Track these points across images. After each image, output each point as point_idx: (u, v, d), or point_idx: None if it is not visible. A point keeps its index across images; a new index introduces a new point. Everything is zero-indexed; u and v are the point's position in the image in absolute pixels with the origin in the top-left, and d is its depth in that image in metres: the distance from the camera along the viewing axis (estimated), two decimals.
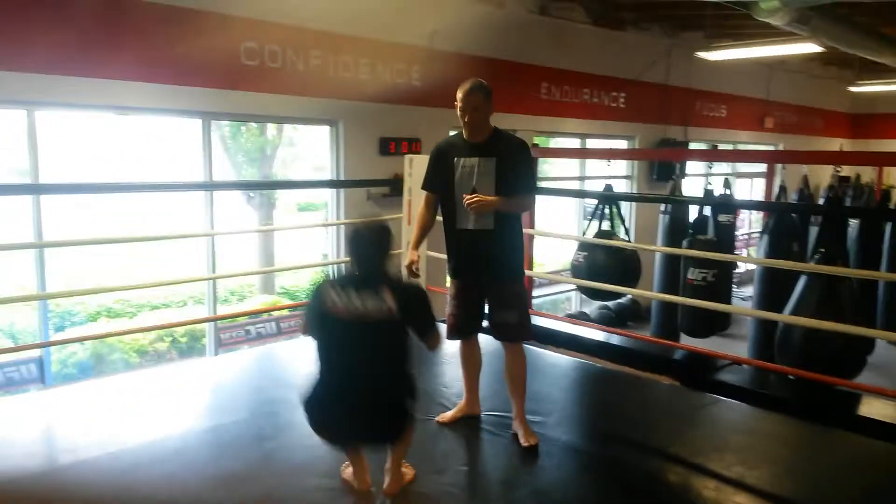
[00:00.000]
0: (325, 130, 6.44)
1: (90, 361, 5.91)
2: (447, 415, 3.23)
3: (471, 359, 3.21)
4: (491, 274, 3.02)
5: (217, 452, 2.94)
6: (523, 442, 2.96)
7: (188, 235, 5.90)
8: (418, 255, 3.10)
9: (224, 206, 6.20)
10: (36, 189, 4.83)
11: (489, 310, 3.11)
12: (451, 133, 3.13)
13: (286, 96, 5.87)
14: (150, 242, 6.05)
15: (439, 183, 3.04)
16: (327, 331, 2.34)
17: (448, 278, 3.22)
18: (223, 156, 6.95)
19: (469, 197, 2.84)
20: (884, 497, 2.74)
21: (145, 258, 6.68)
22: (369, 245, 2.37)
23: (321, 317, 2.33)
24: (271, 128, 7.37)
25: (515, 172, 2.92)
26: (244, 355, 4.94)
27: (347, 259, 2.44)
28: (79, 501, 2.50)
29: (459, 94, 2.86)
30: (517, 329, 3.05)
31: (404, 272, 3.03)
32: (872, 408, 4.00)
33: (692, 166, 9.42)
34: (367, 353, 2.30)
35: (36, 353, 4.86)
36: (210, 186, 5.76)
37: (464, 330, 3.15)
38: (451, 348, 3.23)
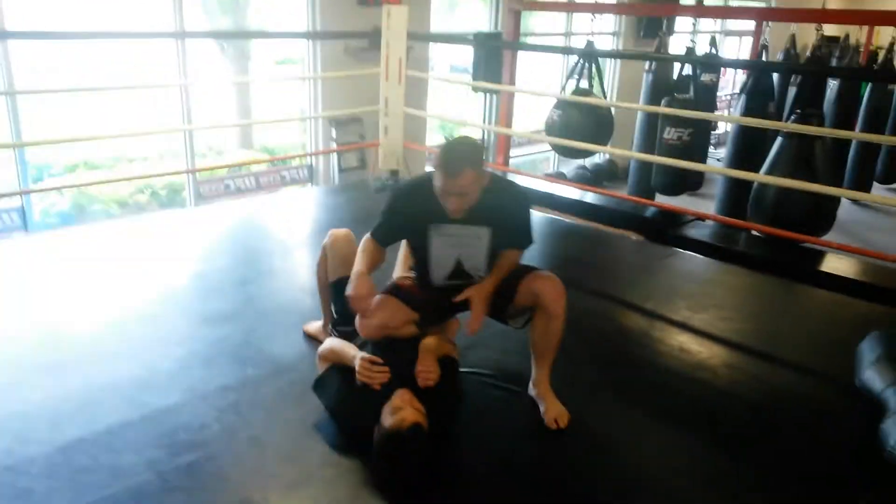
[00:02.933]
0: None
1: (71, 212, 5.98)
2: None
3: None
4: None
5: (201, 295, 3.11)
6: (549, 420, 2.19)
7: (162, 85, 5.79)
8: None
9: (197, 59, 6.03)
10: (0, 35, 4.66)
11: None
12: (423, 179, 2.15)
13: None
14: (125, 97, 5.95)
15: (397, 236, 2.27)
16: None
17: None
18: (195, 3, 6.65)
19: (459, 298, 2.15)
20: (822, 337, 2.99)
21: (120, 111, 6.57)
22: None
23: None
24: None
25: (514, 231, 2.21)
26: (224, 207, 5.03)
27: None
28: (73, 334, 2.67)
29: (441, 177, 1.98)
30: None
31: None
32: (829, 263, 4.25)
33: (681, 23, 9.16)
34: None
35: (16, 201, 4.92)
36: (181, 35, 5.58)
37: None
38: None
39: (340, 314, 2.46)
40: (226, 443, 2.05)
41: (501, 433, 2.18)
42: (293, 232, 4.16)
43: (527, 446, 2.13)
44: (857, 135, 6.56)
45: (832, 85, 6.82)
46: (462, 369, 2.26)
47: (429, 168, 2.04)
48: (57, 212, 5.86)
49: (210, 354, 2.55)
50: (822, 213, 4.45)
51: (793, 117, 4.56)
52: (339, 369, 2.16)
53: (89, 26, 5.61)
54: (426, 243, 2.16)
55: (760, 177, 4.32)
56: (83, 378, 2.36)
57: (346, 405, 2.10)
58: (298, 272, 3.37)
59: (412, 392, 2.00)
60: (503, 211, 2.14)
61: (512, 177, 5.80)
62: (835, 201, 4.59)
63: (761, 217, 4.38)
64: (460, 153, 1.98)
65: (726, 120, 9.89)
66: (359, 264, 2.14)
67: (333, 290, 2.49)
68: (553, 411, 2.20)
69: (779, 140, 4.49)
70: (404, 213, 2.17)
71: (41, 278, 3.21)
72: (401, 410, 1.92)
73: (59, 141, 5.36)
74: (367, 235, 2.21)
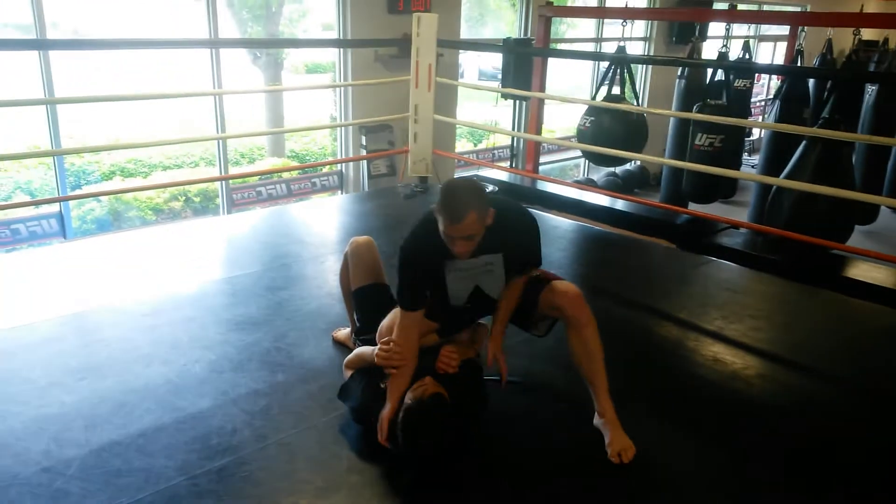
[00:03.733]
0: None
1: (108, 218, 6.12)
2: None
3: None
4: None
5: (232, 300, 3.15)
6: (612, 453, 2.07)
7: (197, 94, 5.90)
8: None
9: (230, 68, 6.13)
10: (39, 45, 4.79)
11: None
12: (426, 222, 2.08)
13: None
14: (159, 107, 6.07)
15: (427, 293, 2.17)
16: None
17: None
18: (227, 12, 6.77)
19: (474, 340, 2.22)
20: (856, 348, 2.92)
21: (154, 122, 6.71)
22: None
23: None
24: None
25: (524, 254, 2.19)
26: (256, 214, 5.10)
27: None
28: (108, 337, 2.72)
29: (445, 224, 1.94)
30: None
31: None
32: (865, 272, 4.15)
33: (714, 28, 9.05)
34: None
35: (55, 208, 5.05)
36: (214, 44, 5.68)
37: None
38: None
39: (363, 322, 2.46)
40: (256, 448, 2.07)
41: (526, 438, 2.16)
42: (323, 238, 4.19)
43: (551, 452, 2.11)
44: (888, 140, 6.39)
45: (870, 91, 6.66)
46: (487, 377, 2.25)
47: (433, 205, 2.00)
48: (94, 218, 6.00)
49: (241, 359, 2.58)
50: (841, 221, 4.35)
51: (819, 122, 4.48)
52: (363, 371, 2.18)
53: (125, 36, 5.75)
54: (443, 281, 2.13)
55: (794, 183, 4.24)
56: (117, 381, 2.40)
57: (369, 403, 2.10)
58: (328, 279, 3.39)
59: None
60: (511, 237, 2.11)
61: (541, 184, 5.78)
62: (858, 208, 4.47)
63: (779, 221, 4.30)
64: (462, 198, 1.92)
65: (759, 126, 9.75)
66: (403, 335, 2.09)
67: (356, 299, 2.50)
68: (618, 444, 2.06)
69: (802, 145, 4.40)
70: (418, 268, 2.11)
71: (77, 283, 3.28)
72: (422, 386, 1.95)
73: (95, 149, 5.49)
74: (400, 311, 2.13)
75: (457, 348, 2.15)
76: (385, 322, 2.22)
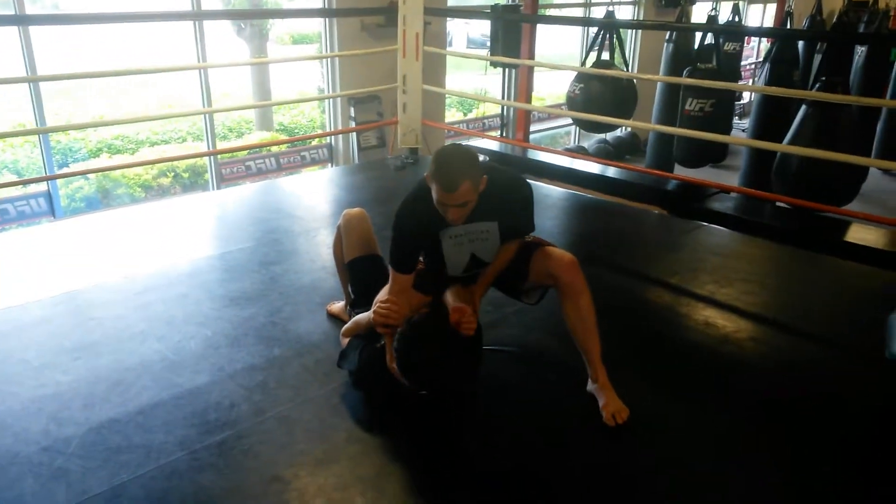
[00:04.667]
0: None
1: (96, 196, 6.07)
2: None
3: None
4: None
5: (226, 276, 3.14)
6: (607, 416, 2.09)
7: (180, 68, 5.82)
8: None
9: (214, 40, 6.04)
10: (19, 20, 4.70)
11: None
12: (420, 189, 2.08)
13: None
14: (144, 82, 5.98)
15: (417, 258, 2.21)
16: None
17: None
18: None
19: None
20: (847, 309, 2.95)
21: (139, 97, 6.62)
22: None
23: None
24: None
25: (517, 219, 2.18)
26: (246, 189, 5.06)
27: None
28: (102, 316, 2.72)
29: (439, 192, 1.94)
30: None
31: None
32: (856, 234, 4.18)
33: None
34: None
35: (43, 187, 5.00)
36: (198, 16, 5.58)
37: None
38: None
39: (357, 294, 2.47)
40: (255, 421, 2.09)
41: (521, 407, 2.19)
42: (314, 212, 4.17)
43: (547, 420, 2.14)
44: (885, 102, 6.40)
45: (860, 52, 6.64)
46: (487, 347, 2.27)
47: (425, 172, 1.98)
48: (82, 196, 5.95)
49: (236, 335, 2.59)
50: (846, 183, 4.36)
51: (817, 86, 4.47)
52: (360, 337, 2.21)
53: (107, 9, 5.64)
54: (438, 248, 2.14)
55: (785, 147, 4.24)
56: (113, 359, 2.40)
57: (368, 364, 2.13)
58: (321, 252, 3.39)
59: None
60: (505, 203, 2.11)
61: (532, 153, 5.75)
62: (859, 170, 4.50)
63: (785, 187, 4.31)
64: (455, 166, 1.92)
65: (750, 90, 9.71)
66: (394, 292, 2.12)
67: (350, 271, 2.50)
68: (612, 406, 2.09)
69: (802, 109, 4.40)
70: (412, 234, 2.12)
71: (68, 262, 3.26)
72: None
73: (80, 126, 5.42)
74: (392, 273, 2.15)
75: (470, 309, 2.10)
76: (380, 295, 2.23)
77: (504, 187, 2.11)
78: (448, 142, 7.39)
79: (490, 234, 2.14)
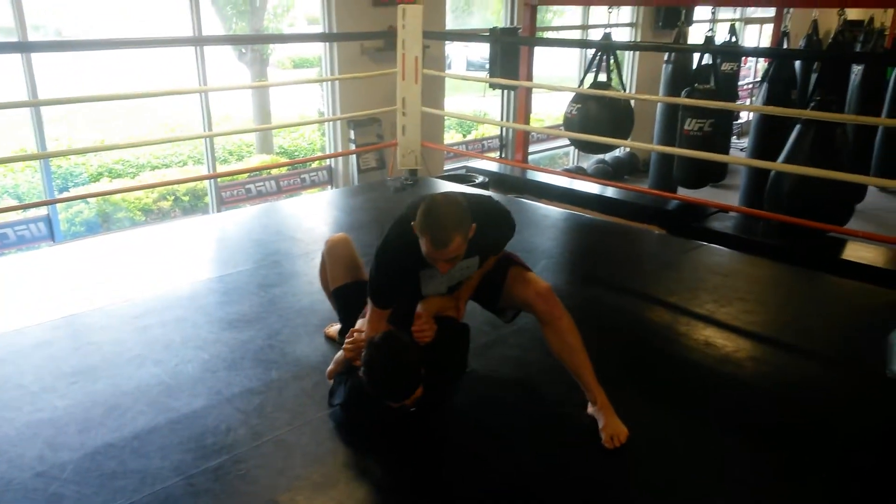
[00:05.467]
0: None
1: (97, 220, 6.08)
2: None
3: None
4: None
5: (224, 298, 3.14)
6: (606, 437, 2.06)
7: (183, 92, 5.85)
8: None
9: (215, 64, 6.10)
10: (21, 47, 4.74)
11: None
12: (403, 229, 2.02)
13: None
14: (145, 107, 6.03)
15: (397, 295, 2.19)
16: None
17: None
18: (211, 9, 6.72)
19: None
20: (847, 328, 2.94)
21: (141, 122, 6.66)
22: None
23: None
24: None
25: (496, 251, 2.23)
26: (246, 212, 5.07)
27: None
28: (100, 340, 2.71)
29: (429, 247, 1.91)
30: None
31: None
32: (855, 252, 4.18)
33: (700, 12, 9.04)
34: None
35: (43, 211, 5.01)
36: (199, 42, 5.64)
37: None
38: None
39: (345, 322, 2.46)
40: (252, 446, 2.07)
41: (520, 429, 2.17)
42: (314, 234, 4.17)
43: (546, 442, 2.12)
44: (878, 120, 6.41)
45: (857, 70, 6.68)
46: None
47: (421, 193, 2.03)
48: (82, 220, 5.96)
49: (234, 358, 2.57)
50: (841, 202, 4.36)
51: (811, 104, 4.49)
52: (343, 372, 2.23)
53: (109, 36, 5.70)
54: (417, 284, 2.16)
55: (784, 166, 4.25)
56: (110, 384, 2.39)
57: (354, 392, 2.13)
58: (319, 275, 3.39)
59: None
60: (489, 239, 2.10)
61: (531, 174, 5.77)
62: (854, 190, 4.50)
63: (777, 208, 4.31)
64: (446, 222, 1.87)
65: (747, 109, 9.77)
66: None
67: (336, 299, 2.50)
68: (611, 428, 2.06)
69: (797, 127, 4.41)
70: (394, 274, 2.11)
71: (67, 286, 3.26)
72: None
73: (84, 151, 5.45)
74: (371, 306, 2.16)
75: (431, 317, 2.16)
76: (357, 325, 2.26)
77: (490, 227, 2.08)
78: (448, 163, 7.41)
79: (471, 268, 2.14)
